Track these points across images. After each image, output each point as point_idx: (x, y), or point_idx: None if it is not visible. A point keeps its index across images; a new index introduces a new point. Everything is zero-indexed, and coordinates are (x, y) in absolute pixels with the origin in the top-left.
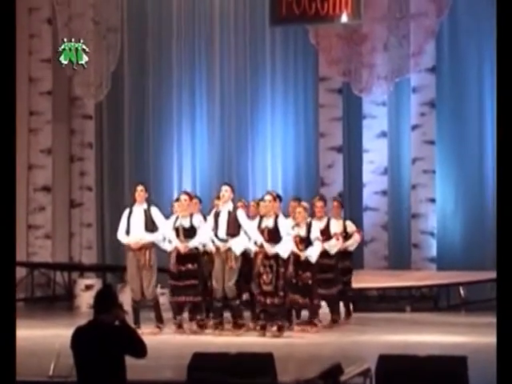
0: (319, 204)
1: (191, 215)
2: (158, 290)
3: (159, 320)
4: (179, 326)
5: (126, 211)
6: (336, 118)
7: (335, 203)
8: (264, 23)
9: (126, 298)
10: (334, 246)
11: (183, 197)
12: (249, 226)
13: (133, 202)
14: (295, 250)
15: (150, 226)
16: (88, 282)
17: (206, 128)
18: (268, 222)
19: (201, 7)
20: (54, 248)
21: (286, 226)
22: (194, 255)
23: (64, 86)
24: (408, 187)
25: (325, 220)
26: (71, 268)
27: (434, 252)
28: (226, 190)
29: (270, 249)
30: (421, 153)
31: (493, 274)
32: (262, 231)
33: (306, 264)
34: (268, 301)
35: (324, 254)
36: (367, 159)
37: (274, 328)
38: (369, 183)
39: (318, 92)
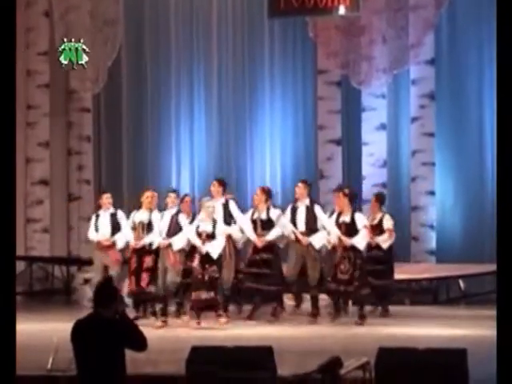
0: (373, 199)
1: (268, 208)
2: None
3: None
4: (250, 317)
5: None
6: (335, 110)
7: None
8: (262, 15)
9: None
10: (385, 240)
11: (258, 190)
12: (327, 220)
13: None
14: (198, 243)
15: (228, 220)
16: (86, 275)
17: (204, 121)
18: (345, 217)
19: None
20: (52, 242)
21: (362, 219)
22: (271, 246)
23: (61, 79)
24: (407, 180)
25: (379, 215)
26: (69, 262)
27: (433, 245)
28: (301, 187)
29: (348, 241)
30: (420, 145)
31: (492, 267)
32: (339, 225)
33: (210, 258)
34: (342, 288)
35: (376, 247)
36: (366, 152)
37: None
38: (368, 176)
39: (317, 84)
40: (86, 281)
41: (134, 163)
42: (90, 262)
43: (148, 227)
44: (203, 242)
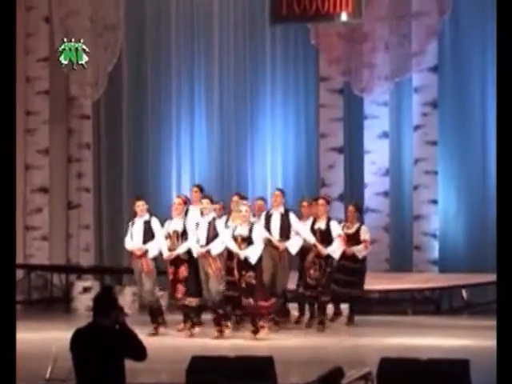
0: (351, 209)
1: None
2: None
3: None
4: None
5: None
6: (337, 118)
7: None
8: (264, 22)
9: (124, 301)
10: (361, 251)
11: (237, 197)
12: (302, 227)
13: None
14: (236, 249)
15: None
16: (86, 284)
17: (205, 128)
18: (320, 224)
19: (200, 5)
20: (51, 250)
21: (337, 228)
22: None
23: (61, 85)
24: (410, 188)
25: (356, 226)
26: (69, 270)
27: (435, 254)
28: (277, 195)
29: (323, 250)
30: (423, 153)
31: (495, 277)
32: (314, 232)
33: (247, 264)
34: (308, 293)
35: (351, 257)
36: (368, 160)
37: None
38: (370, 184)
39: (319, 92)
40: (86, 289)
41: (134, 170)
42: (88, 271)
43: (182, 236)
44: (239, 246)
